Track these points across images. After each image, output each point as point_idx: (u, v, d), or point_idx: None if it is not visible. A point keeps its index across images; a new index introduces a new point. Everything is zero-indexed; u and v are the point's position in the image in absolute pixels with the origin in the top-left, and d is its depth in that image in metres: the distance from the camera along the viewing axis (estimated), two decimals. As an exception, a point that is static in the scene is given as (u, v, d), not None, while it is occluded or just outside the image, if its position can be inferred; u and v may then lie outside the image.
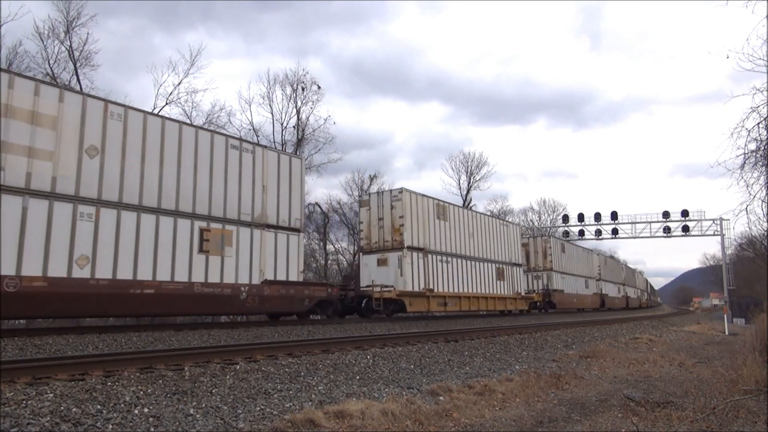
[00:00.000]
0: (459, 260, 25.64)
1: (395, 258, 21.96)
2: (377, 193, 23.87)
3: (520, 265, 32.10)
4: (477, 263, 27.24)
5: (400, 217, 22.18)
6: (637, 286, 69.41)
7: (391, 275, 21.75)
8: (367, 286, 21.51)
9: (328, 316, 19.39)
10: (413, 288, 22.03)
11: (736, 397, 7.16)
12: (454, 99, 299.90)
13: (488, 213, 28.98)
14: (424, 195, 24.07)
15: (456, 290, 25.03)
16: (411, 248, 22.23)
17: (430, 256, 23.41)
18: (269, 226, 17.20)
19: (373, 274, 22.12)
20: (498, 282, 29.17)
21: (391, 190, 23.27)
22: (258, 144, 18.33)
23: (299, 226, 18.42)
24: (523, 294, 31.86)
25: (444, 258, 24.53)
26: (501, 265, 29.70)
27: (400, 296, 21.24)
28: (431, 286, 23.09)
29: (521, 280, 32.02)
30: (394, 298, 21.02)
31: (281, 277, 17.24)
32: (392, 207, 22.42)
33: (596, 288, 46.81)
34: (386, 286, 21.06)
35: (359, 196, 24.11)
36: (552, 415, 6.79)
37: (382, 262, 22.28)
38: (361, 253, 23.59)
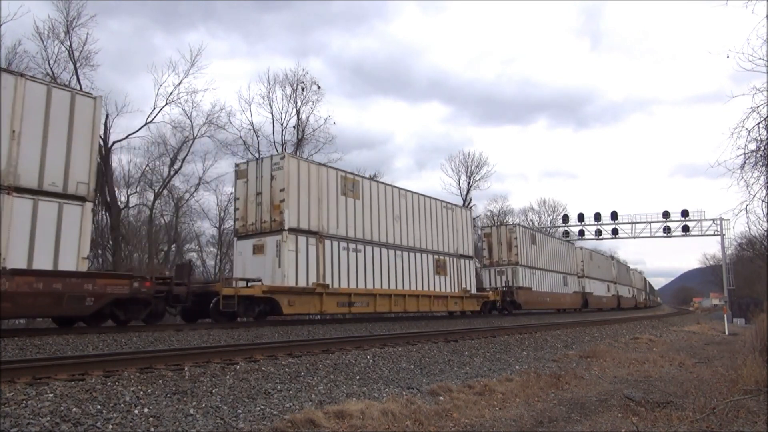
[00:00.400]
0: (377, 249, 20.81)
1: (273, 243, 17.17)
2: (256, 160, 18.92)
3: (470, 258, 27.26)
4: (405, 253, 22.43)
5: (281, 191, 17.34)
6: (632, 284, 65.59)
7: (268, 266, 17.13)
8: (211, 281, 17.29)
9: (145, 321, 14.32)
10: (297, 282, 17.21)
11: (736, 397, 7.17)
12: (455, 99, 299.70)
13: (416, 191, 24.08)
14: (322, 164, 19.60)
15: (369, 286, 20.19)
16: (296, 231, 17.49)
17: (328, 242, 18.65)
18: (22, 190, 11.87)
19: (247, 265, 17.61)
20: (437, 277, 24.23)
21: (272, 156, 18.36)
22: (7, 70, 13.04)
23: (85, 192, 12.87)
24: (472, 292, 27.09)
25: (352, 245, 19.63)
26: (442, 257, 24.82)
27: (271, 293, 16.33)
28: (327, 281, 18.36)
29: (471, 276, 27.14)
30: (260, 296, 16.07)
31: (44, 264, 11.98)
32: (272, 177, 17.61)
33: (578, 286, 42.86)
34: (252, 280, 16.35)
35: (235, 165, 19.41)
36: (552, 415, 6.80)
37: (258, 250, 17.51)
38: (235, 238, 18.78)
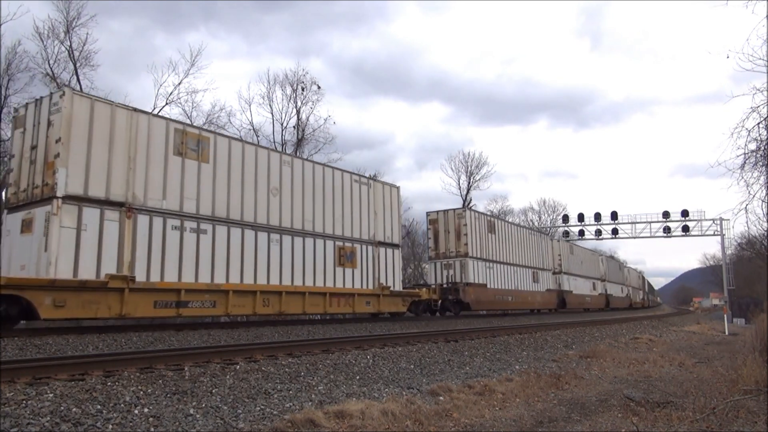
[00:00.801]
0: (236, 230, 15.84)
1: (42, 217, 12.28)
2: (35, 101, 13.38)
3: (395, 246, 22.33)
4: (288, 238, 17.48)
5: (57, 141, 12.34)
6: (626, 283, 61.21)
7: (35, 249, 12.28)
8: None
9: None
10: (76, 274, 12.22)
11: (736, 397, 7.17)
12: (455, 99, 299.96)
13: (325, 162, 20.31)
14: (138, 110, 14.16)
15: (218, 280, 15.13)
16: (82, 200, 12.58)
17: (144, 218, 13.68)
18: None
19: (15, 248, 12.80)
20: (339, 269, 19.30)
21: (51, 94, 13.14)
22: None
23: None
24: (395, 289, 22.07)
25: (191, 224, 14.64)
26: (349, 244, 19.88)
27: (19, 288, 11.32)
28: (138, 272, 13.29)
29: (395, 269, 22.23)
30: None
31: None
32: (49, 124, 12.62)
33: (553, 283, 38.08)
34: None
35: (14, 110, 14.95)
36: (552, 415, 6.80)
37: (26, 226, 12.67)
38: (5, 211, 13.77)
